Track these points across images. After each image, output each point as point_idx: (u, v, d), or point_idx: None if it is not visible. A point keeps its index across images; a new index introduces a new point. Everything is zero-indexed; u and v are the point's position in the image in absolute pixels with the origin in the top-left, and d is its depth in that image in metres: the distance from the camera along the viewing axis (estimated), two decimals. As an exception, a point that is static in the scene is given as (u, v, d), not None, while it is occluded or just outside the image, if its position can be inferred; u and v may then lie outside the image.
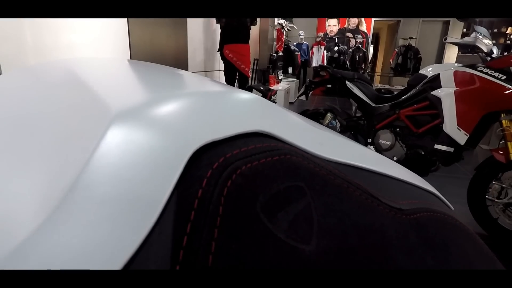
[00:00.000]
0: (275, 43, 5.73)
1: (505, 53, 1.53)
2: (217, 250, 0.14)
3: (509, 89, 1.41)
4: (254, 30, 3.75)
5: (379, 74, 8.01)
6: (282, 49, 5.61)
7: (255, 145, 0.17)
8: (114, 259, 0.14)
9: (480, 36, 1.53)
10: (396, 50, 6.66)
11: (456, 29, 6.46)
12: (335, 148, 0.22)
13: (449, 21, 6.47)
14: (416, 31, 6.84)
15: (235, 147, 0.16)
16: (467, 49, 1.58)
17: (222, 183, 0.15)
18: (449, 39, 1.65)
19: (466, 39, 1.56)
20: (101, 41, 1.63)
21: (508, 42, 8.56)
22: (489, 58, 1.57)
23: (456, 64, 1.69)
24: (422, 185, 0.25)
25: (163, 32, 2.28)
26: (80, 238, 0.14)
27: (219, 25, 2.98)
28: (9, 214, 0.16)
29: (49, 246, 0.14)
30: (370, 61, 7.94)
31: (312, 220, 0.16)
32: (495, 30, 8.48)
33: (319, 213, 0.16)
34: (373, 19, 6.93)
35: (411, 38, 6.43)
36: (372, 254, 0.17)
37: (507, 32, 8.36)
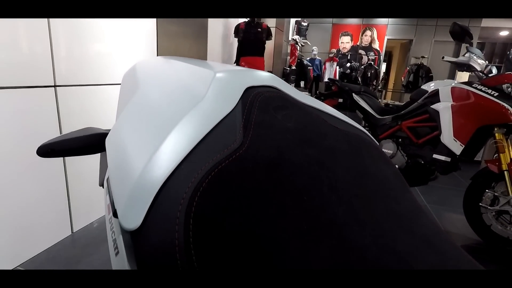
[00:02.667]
0: (288, 57, 5.97)
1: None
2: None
3: (501, 105, 1.54)
4: (269, 44, 3.99)
5: (391, 90, 8.12)
6: (295, 64, 5.83)
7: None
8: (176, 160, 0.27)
9: (475, 57, 1.68)
10: (408, 68, 6.78)
11: (468, 49, 6.54)
12: (311, 101, 0.40)
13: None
14: (428, 50, 6.96)
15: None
16: (463, 68, 1.72)
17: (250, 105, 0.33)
18: (446, 58, 1.80)
19: (461, 58, 1.71)
20: (133, 51, 1.86)
21: (522, 64, 8.57)
22: (484, 76, 1.71)
23: (455, 81, 1.83)
24: (357, 126, 0.41)
25: (186, 43, 2.52)
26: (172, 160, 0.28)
27: (236, 38, 3.21)
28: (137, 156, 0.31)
29: (157, 166, 0.28)
30: (383, 78, 8.09)
31: (291, 120, 0.33)
32: (508, 52, 8.51)
33: (294, 120, 0.33)
34: (386, 38, 7.11)
35: (423, 57, 6.56)
36: (323, 151, 0.33)
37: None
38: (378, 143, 0.41)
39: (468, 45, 1.70)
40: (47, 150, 0.42)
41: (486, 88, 1.61)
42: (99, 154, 0.67)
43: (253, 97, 0.34)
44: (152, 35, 2.02)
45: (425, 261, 0.25)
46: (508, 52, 1.67)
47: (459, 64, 1.72)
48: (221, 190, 0.24)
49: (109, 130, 0.43)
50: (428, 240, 0.27)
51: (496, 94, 1.57)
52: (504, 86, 1.58)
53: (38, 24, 1.28)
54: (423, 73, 6.58)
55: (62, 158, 1.47)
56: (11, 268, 1.28)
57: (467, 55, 1.70)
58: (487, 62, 1.68)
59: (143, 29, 1.92)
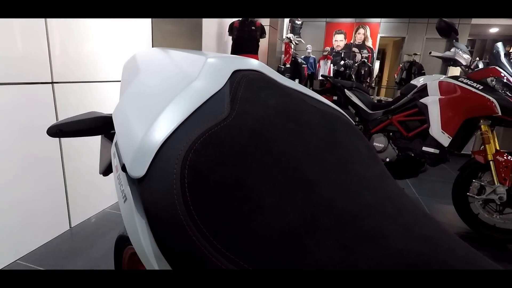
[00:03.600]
0: (283, 55, 6.02)
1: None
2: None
3: (485, 97, 1.60)
4: (263, 43, 4.03)
5: (384, 86, 8.21)
6: (289, 62, 5.89)
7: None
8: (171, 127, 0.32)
9: (460, 52, 1.74)
10: (401, 65, 6.87)
11: (460, 46, 6.65)
12: (293, 84, 0.44)
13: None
14: (420, 47, 7.06)
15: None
16: (449, 62, 1.78)
17: (239, 80, 0.37)
18: (433, 53, 1.85)
19: (447, 53, 1.77)
20: (128, 49, 1.89)
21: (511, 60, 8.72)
22: (470, 70, 1.77)
23: (442, 76, 1.89)
24: (335, 107, 0.46)
25: (181, 42, 2.55)
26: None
27: (231, 37, 3.25)
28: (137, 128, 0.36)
29: (160, 132, 0.34)
30: (377, 75, 8.18)
31: (273, 98, 0.37)
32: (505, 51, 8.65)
33: (276, 98, 0.37)
34: (379, 36, 7.19)
35: (415, 54, 6.65)
36: (300, 124, 0.37)
37: (510, 51, 8.55)
38: (353, 122, 0.46)
39: (454, 40, 1.76)
40: (56, 131, 0.46)
41: (472, 82, 1.67)
42: (99, 146, 0.71)
43: (239, 78, 0.38)
44: (147, 34, 2.05)
45: (385, 212, 0.29)
46: (497, 48, 1.73)
47: (445, 58, 1.78)
48: (210, 149, 0.28)
49: (111, 114, 0.47)
50: (390, 198, 0.32)
51: (481, 87, 1.63)
52: (488, 79, 1.64)
53: (35, 22, 1.31)
54: (416, 70, 6.67)
55: (60, 155, 1.49)
56: (11, 261, 1.30)
57: (452, 50, 1.76)
58: (477, 58, 1.73)
59: (138, 28, 1.95)
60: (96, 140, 1.67)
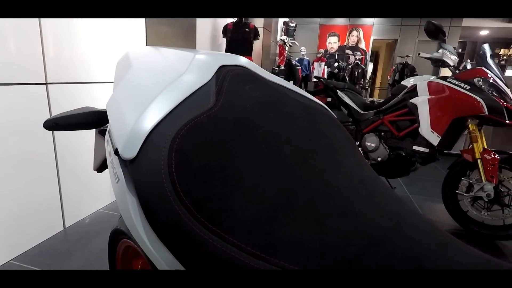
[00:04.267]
0: (277, 57, 6.06)
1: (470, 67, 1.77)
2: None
3: (473, 97, 1.64)
4: (257, 45, 4.06)
5: (378, 88, 8.31)
6: (284, 64, 5.93)
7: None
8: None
9: (448, 53, 1.79)
10: (394, 67, 6.96)
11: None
12: (278, 80, 0.47)
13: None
14: (412, 49, 7.17)
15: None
16: (438, 63, 1.83)
17: (226, 73, 0.39)
18: (422, 54, 1.90)
19: (435, 54, 1.82)
20: (122, 51, 1.90)
21: (502, 62, 8.88)
22: (457, 71, 1.82)
23: (432, 77, 1.94)
24: (318, 102, 0.48)
25: (175, 44, 2.57)
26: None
27: (225, 38, 3.27)
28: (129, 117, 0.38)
29: (148, 122, 0.36)
30: (370, 77, 8.27)
31: (257, 91, 0.39)
32: (492, 52, 8.81)
33: (259, 91, 0.39)
34: (371, 38, 7.28)
35: (407, 56, 6.75)
36: (282, 115, 0.39)
37: (500, 53, 8.70)
38: (335, 116, 0.48)
39: (441, 42, 1.81)
40: (52, 124, 0.48)
41: (459, 82, 1.71)
42: (93, 143, 0.72)
43: (225, 72, 0.41)
44: (141, 36, 2.07)
45: (358, 193, 0.32)
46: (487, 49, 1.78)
47: (433, 59, 1.83)
48: (196, 135, 0.31)
49: (105, 109, 0.49)
50: (364, 182, 0.34)
51: (468, 87, 1.68)
52: (475, 80, 1.68)
53: (29, 23, 1.32)
54: (408, 72, 6.77)
55: (54, 156, 1.50)
56: (5, 262, 1.30)
57: (440, 51, 1.80)
58: (468, 60, 1.78)
59: (132, 30, 1.96)
60: (90, 139, 1.68)
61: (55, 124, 0.48)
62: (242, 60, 0.46)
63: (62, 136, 1.53)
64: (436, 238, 0.27)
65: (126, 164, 0.35)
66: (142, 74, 0.45)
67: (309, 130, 0.38)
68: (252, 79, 0.43)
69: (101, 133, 0.61)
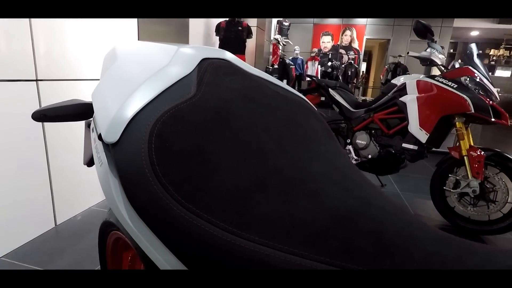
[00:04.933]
0: (271, 56, 6.08)
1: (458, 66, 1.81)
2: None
3: (460, 96, 1.68)
4: (251, 43, 4.07)
5: (371, 87, 8.39)
6: (277, 62, 5.95)
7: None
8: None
9: (436, 52, 1.82)
10: (386, 67, 7.04)
11: (443, 48, 6.89)
12: (260, 73, 0.48)
13: (436, 41, 6.91)
14: (405, 49, 7.24)
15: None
16: (426, 62, 1.87)
17: (207, 66, 0.41)
18: (411, 53, 1.94)
19: (423, 53, 1.85)
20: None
21: (492, 62, 9.04)
22: (445, 70, 1.86)
23: (421, 76, 1.98)
24: (298, 94, 0.50)
25: (168, 42, 2.57)
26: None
27: (218, 37, 3.28)
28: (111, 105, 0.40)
29: (132, 107, 0.38)
30: (364, 76, 8.34)
31: (237, 83, 0.41)
32: (480, 51, 8.97)
33: (240, 83, 0.41)
34: (365, 38, 7.35)
35: (400, 56, 6.83)
36: (261, 106, 0.41)
37: (490, 54, 8.86)
38: (315, 108, 0.50)
39: (429, 41, 1.84)
40: (40, 115, 0.49)
41: (447, 81, 1.75)
42: (83, 139, 0.73)
43: (207, 65, 0.42)
44: (133, 34, 2.07)
45: (331, 178, 0.34)
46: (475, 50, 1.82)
47: (422, 58, 1.86)
48: (176, 122, 0.32)
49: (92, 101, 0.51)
50: (338, 169, 0.36)
51: (456, 86, 1.71)
52: (462, 79, 1.72)
53: (19, 20, 1.31)
54: (401, 71, 6.84)
55: (45, 153, 1.50)
56: (-5, 259, 1.30)
57: (428, 50, 1.84)
58: (459, 60, 1.81)
59: (124, 28, 1.96)
60: (82, 136, 1.67)
61: (43, 115, 0.50)
62: (224, 54, 0.48)
63: (53, 132, 1.52)
64: (398, 216, 0.29)
65: (109, 148, 0.37)
66: (126, 66, 0.47)
67: (287, 120, 0.40)
68: (234, 72, 0.44)
69: (90, 126, 0.62)
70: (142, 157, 0.31)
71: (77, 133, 1.66)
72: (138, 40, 2.11)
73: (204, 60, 0.44)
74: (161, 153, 0.31)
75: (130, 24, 2.01)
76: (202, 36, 3.41)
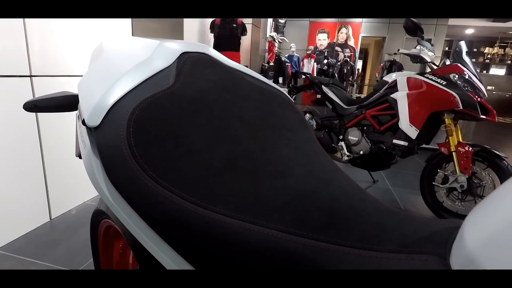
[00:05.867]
0: (266, 54, 6.10)
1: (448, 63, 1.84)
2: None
3: (449, 92, 1.72)
4: (246, 41, 4.09)
5: (367, 84, 8.44)
6: (273, 60, 5.97)
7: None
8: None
9: (425, 49, 1.86)
10: (382, 64, 7.08)
11: (437, 47, 6.94)
12: (239, 66, 0.51)
13: (431, 38, 6.97)
14: (400, 47, 7.27)
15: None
16: (416, 59, 1.90)
17: (186, 60, 0.44)
18: (401, 50, 1.97)
19: (413, 50, 1.89)
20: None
21: (487, 60, 9.13)
22: (435, 67, 1.89)
23: (412, 73, 2.01)
24: (276, 87, 0.53)
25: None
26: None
27: (213, 34, 3.29)
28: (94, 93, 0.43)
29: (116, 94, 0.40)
30: (359, 74, 8.39)
31: (215, 75, 0.44)
32: (475, 50, 9.04)
33: (218, 75, 0.44)
34: (360, 36, 7.38)
35: (395, 53, 6.87)
36: (237, 96, 0.44)
37: (485, 52, 8.94)
38: (292, 99, 0.53)
39: (419, 38, 1.88)
40: (31, 106, 0.51)
41: (436, 78, 1.79)
42: (74, 134, 0.76)
43: (186, 58, 0.45)
44: (127, 31, 2.08)
45: (298, 162, 0.37)
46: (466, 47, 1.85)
47: (412, 56, 1.90)
48: (153, 108, 0.35)
49: None
50: (308, 154, 0.39)
51: (445, 83, 1.75)
52: (451, 75, 1.76)
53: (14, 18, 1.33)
54: (396, 69, 6.88)
55: (40, 148, 1.51)
56: (-10, 252, 1.32)
57: (418, 47, 1.87)
58: (451, 57, 1.84)
59: (118, 25, 1.97)
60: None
61: (34, 106, 0.52)
62: (206, 49, 0.50)
63: (47, 127, 1.54)
64: (353, 195, 0.32)
65: (91, 132, 0.40)
66: (110, 58, 0.49)
67: (261, 110, 0.43)
68: (212, 64, 0.47)
69: None
70: (121, 139, 0.34)
71: (71, 128, 1.67)
72: (132, 35, 2.13)
73: (184, 53, 0.47)
74: (138, 135, 0.34)
75: (124, 21, 2.02)
76: (197, 33, 3.42)
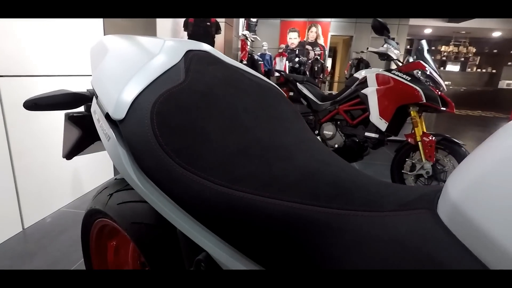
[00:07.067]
0: (239, 52, 6.12)
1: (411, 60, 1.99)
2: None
3: (413, 87, 1.86)
4: (219, 39, 4.09)
5: (336, 81, 8.76)
6: (246, 58, 6.01)
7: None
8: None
9: (392, 48, 1.99)
10: (350, 62, 7.37)
11: (400, 45, 7.36)
12: (237, 64, 0.55)
13: (394, 38, 7.38)
14: (367, 45, 7.62)
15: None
16: (384, 57, 2.03)
17: (193, 56, 0.47)
18: (370, 49, 2.10)
19: (381, 48, 2.02)
20: (79, 44, 1.84)
21: (444, 58, 9.83)
22: (400, 64, 2.03)
23: (380, 70, 2.14)
24: (269, 82, 0.57)
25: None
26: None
27: (186, 32, 3.26)
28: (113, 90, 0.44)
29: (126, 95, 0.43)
30: (330, 72, 8.67)
31: (219, 72, 0.47)
32: (433, 48, 9.68)
33: (221, 72, 0.47)
34: (329, 34, 7.63)
35: (362, 52, 7.19)
36: (239, 90, 0.47)
37: (441, 50, 9.62)
38: (285, 94, 0.57)
39: (386, 37, 2.01)
40: (32, 104, 0.52)
41: (402, 74, 1.92)
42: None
43: (192, 55, 0.48)
44: (99, 29, 2.01)
45: (299, 147, 0.41)
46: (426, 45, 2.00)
47: (379, 53, 2.03)
48: (171, 102, 0.39)
49: (79, 91, 0.55)
50: (305, 141, 0.44)
51: (409, 78, 1.89)
52: (415, 72, 1.90)
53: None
54: (363, 66, 7.19)
55: (8, 152, 1.43)
56: (-42, 266, 1.23)
57: (385, 45, 2.00)
58: (415, 56, 1.97)
59: (89, 23, 1.90)
60: (48, 137, 1.62)
61: (35, 104, 0.52)
62: (206, 47, 0.54)
63: (17, 130, 1.46)
64: (350, 172, 0.37)
65: (116, 125, 0.43)
66: (119, 56, 0.51)
67: (261, 103, 0.47)
68: (215, 62, 0.51)
69: (71, 119, 0.64)
70: (147, 131, 0.38)
71: (45, 129, 1.60)
72: (104, 32, 2.07)
73: (189, 51, 0.50)
74: (161, 127, 0.38)
75: (95, 19, 1.96)
76: (169, 31, 3.37)
